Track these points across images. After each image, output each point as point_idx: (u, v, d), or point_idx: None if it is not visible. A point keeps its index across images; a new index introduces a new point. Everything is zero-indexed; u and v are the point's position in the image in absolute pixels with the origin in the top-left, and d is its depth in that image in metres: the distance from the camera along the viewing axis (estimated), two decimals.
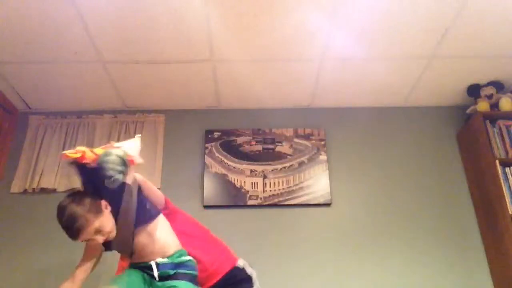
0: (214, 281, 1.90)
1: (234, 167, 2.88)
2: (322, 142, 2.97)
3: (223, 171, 2.87)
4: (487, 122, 2.77)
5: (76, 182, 2.79)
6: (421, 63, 2.71)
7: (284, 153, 2.94)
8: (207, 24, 2.35)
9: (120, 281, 1.70)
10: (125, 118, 3.03)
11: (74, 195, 1.71)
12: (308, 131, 3.01)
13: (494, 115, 2.81)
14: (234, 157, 2.91)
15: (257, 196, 2.79)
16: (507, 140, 2.71)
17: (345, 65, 2.70)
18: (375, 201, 2.86)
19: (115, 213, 1.68)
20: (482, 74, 2.84)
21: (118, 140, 2.93)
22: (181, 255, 1.76)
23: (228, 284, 1.92)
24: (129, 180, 1.69)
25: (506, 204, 2.51)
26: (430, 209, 2.82)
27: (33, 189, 2.80)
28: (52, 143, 2.92)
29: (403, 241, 2.73)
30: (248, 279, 1.97)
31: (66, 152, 1.64)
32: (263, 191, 2.81)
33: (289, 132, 3.01)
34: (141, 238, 1.73)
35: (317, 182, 2.85)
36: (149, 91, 2.93)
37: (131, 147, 1.76)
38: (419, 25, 2.39)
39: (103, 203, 1.66)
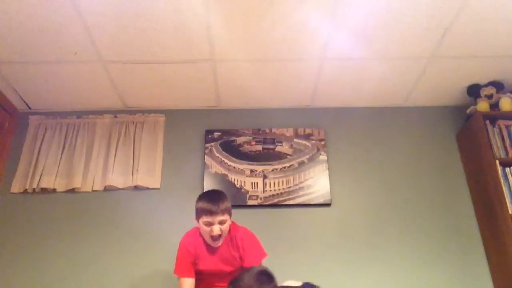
0: None
1: (234, 167, 2.88)
2: (322, 142, 2.97)
3: (223, 171, 2.87)
4: (487, 122, 2.78)
5: (76, 183, 2.80)
6: (421, 63, 2.71)
7: (284, 153, 2.94)
8: (207, 24, 2.35)
9: None
10: (125, 118, 3.03)
11: None
12: (308, 131, 3.01)
13: (494, 115, 2.81)
14: (234, 157, 2.91)
15: (257, 196, 2.79)
16: (507, 140, 2.71)
17: (345, 65, 2.71)
18: (375, 201, 2.86)
19: None
20: (482, 74, 2.84)
21: (118, 142, 2.93)
22: None
23: None
24: None
25: (506, 204, 2.51)
26: (430, 209, 2.82)
27: (33, 189, 2.80)
28: (52, 143, 2.92)
29: (403, 241, 2.74)
30: None
31: None
32: (263, 191, 2.81)
33: (289, 132, 3.01)
34: None
35: (317, 182, 2.85)
36: (149, 91, 2.93)
37: None
38: (419, 25, 2.39)
39: None
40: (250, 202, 2.78)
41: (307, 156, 2.93)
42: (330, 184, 2.85)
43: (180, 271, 2.08)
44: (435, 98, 3.08)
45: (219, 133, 2.99)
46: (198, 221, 2.08)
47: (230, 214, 2.10)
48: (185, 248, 2.11)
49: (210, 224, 2.02)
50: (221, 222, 2.03)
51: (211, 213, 2.01)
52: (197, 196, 2.78)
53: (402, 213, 2.82)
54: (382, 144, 3.02)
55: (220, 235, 2.04)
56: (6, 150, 2.92)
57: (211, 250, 2.10)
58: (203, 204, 2.05)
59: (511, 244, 2.45)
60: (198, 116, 3.10)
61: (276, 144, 2.98)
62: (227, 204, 2.07)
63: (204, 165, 2.88)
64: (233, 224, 2.17)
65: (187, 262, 2.08)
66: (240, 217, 2.77)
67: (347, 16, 2.31)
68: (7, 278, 2.59)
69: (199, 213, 2.06)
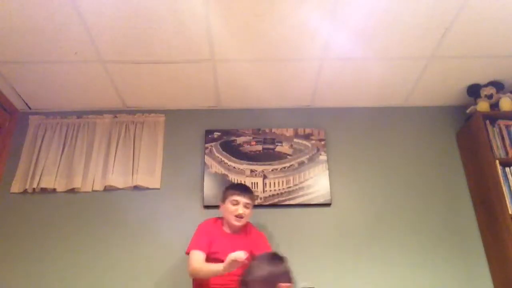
0: None
1: (234, 167, 2.88)
2: (322, 142, 2.97)
3: (223, 171, 2.87)
4: (487, 122, 2.78)
5: (76, 183, 2.80)
6: (421, 63, 2.71)
7: (284, 153, 2.94)
8: (207, 24, 2.35)
9: None
10: (125, 118, 3.03)
11: None
12: (308, 131, 3.01)
13: (494, 115, 2.81)
14: (234, 157, 2.91)
15: (257, 196, 2.79)
16: (507, 140, 2.71)
17: (345, 65, 2.71)
18: (375, 201, 2.86)
19: None
20: (482, 74, 2.84)
21: (118, 142, 2.93)
22: None
23: None
24: None
25: (506, 204, 2.51)
26: (430, 209, 2.82)
27: (33, 189, 2.80)
28: (52, 143, 2.91)
29: (403, 241, 2.74)
30: None
31: None
32: (263, 191, 2.81)
33: (289, 132, 3.01)
34: None
35: (317, 182, 2.85)
36: (149, 91, 2.93)
37: None
38: (419, 25, 2.39)
39: None
40: None
41: (307, 156, 2.93)
42: (330, 184, 2.85)
43: (195, 245, 2.16)
44: (435, 98, 3.08)
45: (219, 133, 2.99)
46: (224, 202, 2.29)
47: (253, 205, 2.33)
48: (205, 228, 2.26)
49: (237, 203, 2.24)
50: (246, 206, 2.26)
51: (240, 192, 2.27)
52: (197, 195, 2.82)
53: (402, 213, 2.82)
54: (382, 144, 3.02)
55: (242, 217, 2.23)
56: (6, 150, 2.92)
57: (227, 238, 2.22)
58: (234, 187, 2.34)
59: (511, 244, 2.45)
60: (198, 116, 3.10)
61: (276, 144, 2.98)
62: (253, 192, 2.39)
63: (204, 165, 2.88)
64: (251, 224, 2.36)
65: (204, 239, 2.18)
66: None
67: (347, 16, 2.31)
68: (7, 278, 2.59)
69: (228, 193, 2.29)
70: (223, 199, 2.32)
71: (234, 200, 2.24)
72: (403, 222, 2.78)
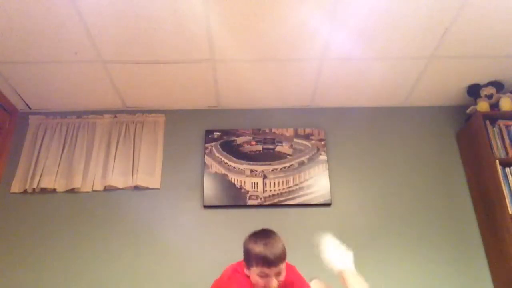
0: None
1: (234, 167, 2.88)
2: (322, 142, 2.98)
3: (223, 171, 2.87)
4: (487, 122, 2.78)
5: (76, 183, 2.80)
6: (421, 63, 2.71)
7: (284, 153, 2.94)
8: (207, 24, 2.35)
9: None
10: (125, 118, 3.03)
11: None
12: (308, 131, 3.01)
13: (494, 115, 2.81)
14: (234, 157, 2.91)
15: (257, 196, 2.79)
16: (507, 140, 2.71)
17: (345, 65, 2.70)
18: (375, 201, 2.86)
19: None
20: (482, 74, 2.84)
21: (118, 142, 2.93)
22: None
23: None
24: None
25: (506, 204, 2.51)
26: (430, 209, 2.82)
27: (33, 189, 2.80)
28: (52, 143, 2.92)
29: (403, 240, 2.74)
30: None
31: None
32: (263, 191, 2.81)
33: (289, 132, 3.01)
34: None
35: (317, 182, 2.85)
36: (149, 91, 2.93)
37: None
38: (419, 25, 2.39)
39: None
40: (250, 202, 2.78)
41: (307, 156, 2.93)
42: (330, 184, 2.85)
43: None
44: (435, 98, 3.08)
45: (219, 133, 2.99)
46: (249, 268, 1.82)
47: (285, 259, 1.84)
48: (241, 284, 1.82)
49: (266, 275, 1.75)
50: (278, 274, 1.77)
51: (269, 263, 1.74)
52: (197, 195, 2.82)
53: (402, 213, 2.82)
54: (382, 144, 3.03)
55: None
56: (6, 150, 2.92)
57: None
58: (259, 250, 1.76)
59: (511, 244, 2.45)
60: (198, 116, 3.10)
61: (276, 144, 2.98)
62: (283, 249, 1.81)
63: (204, 165, 2.88)
64: None
65: None
66: (240, 217, 2.79)
67: (347, 16, 2.31)
68: (7, 278, 2.59)
69: (254, 261, 1.78)
70: (247, 263, 1.83)
71: (262, 273, 1.75)
72: (402, 222, 2.78)
